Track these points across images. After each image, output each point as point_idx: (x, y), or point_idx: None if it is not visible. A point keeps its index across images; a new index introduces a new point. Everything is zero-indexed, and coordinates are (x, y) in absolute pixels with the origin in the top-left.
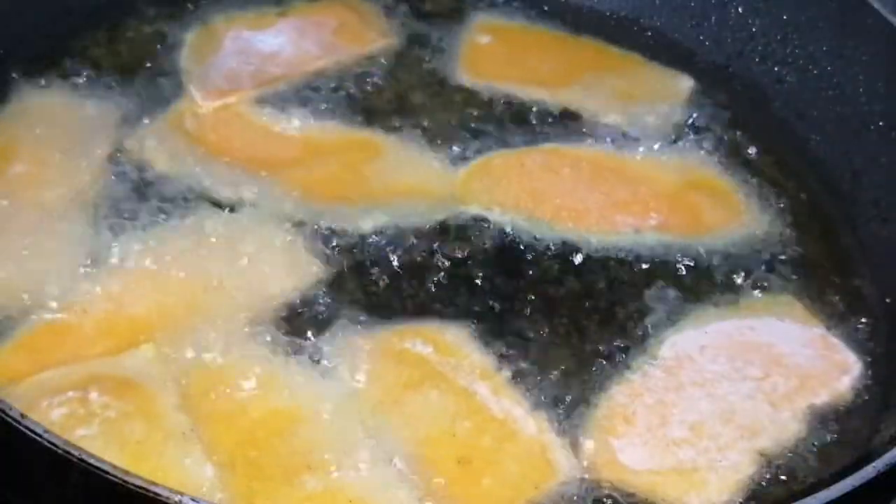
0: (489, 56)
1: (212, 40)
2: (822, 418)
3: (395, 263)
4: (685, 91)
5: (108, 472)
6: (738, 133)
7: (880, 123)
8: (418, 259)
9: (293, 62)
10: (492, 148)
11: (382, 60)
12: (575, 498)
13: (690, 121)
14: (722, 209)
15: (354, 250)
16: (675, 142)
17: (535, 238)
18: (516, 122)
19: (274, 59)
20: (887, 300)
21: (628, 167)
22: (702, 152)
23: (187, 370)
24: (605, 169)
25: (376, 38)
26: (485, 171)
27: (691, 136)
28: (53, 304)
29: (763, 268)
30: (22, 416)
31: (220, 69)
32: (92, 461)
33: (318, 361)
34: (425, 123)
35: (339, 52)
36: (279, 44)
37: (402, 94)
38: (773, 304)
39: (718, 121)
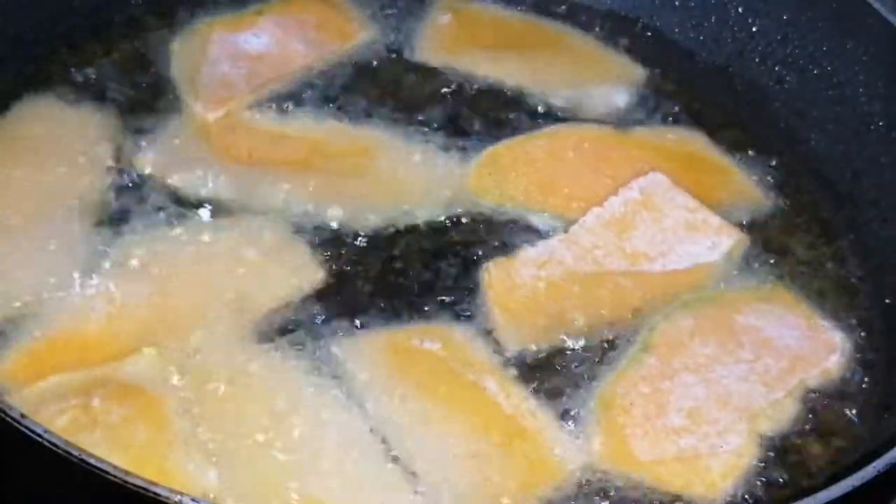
0: (448, 36)
1: (198, 46)
2: (823, 418)
3: (401, 263)
4: (636, 77)
5: (108, 473)
6: (738, 132)
7: (880, 123)
8: (425, 258)
9: (282, 62)
10: (492, 137)
11: (366, 53)
12: (582, 492)
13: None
14: (724, 187)
15: (359, 251)
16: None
17: (541, 231)
18: (503, 108)
19: (263, 60)
20: (887, 300)
21: (628, 146)
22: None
23: (190, 374)
24: (607, 149)
25: (358, 31)
26: (492, 164)
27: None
28: (55, 311)
29: (762, 267)
30: (22, 416)
31: (213, 77)
32: (92, 461)
33: (322, 363)
34: (422, 116)
35: (324, 48)
36: (265, 44)
37: (394, 87)
38: (758, 291)
39: (716, 119)
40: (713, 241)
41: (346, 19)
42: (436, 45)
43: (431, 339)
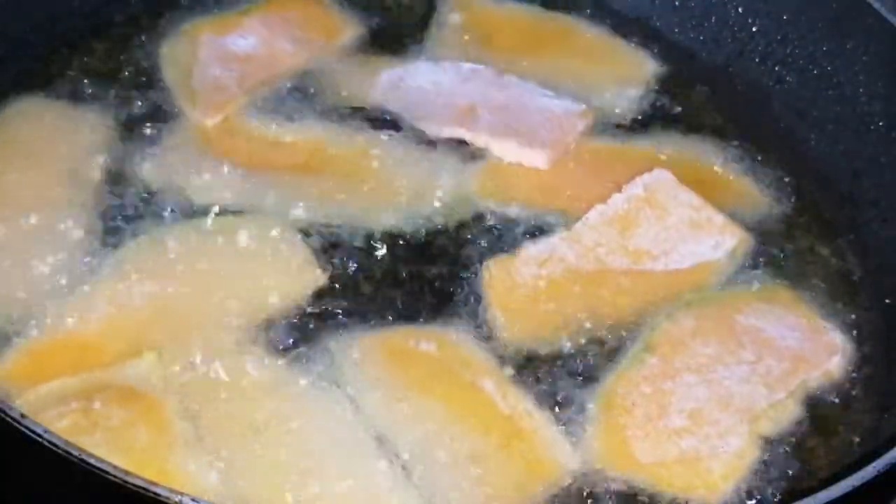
0: (458, 34)
1: (186, 49)
2: (823, 418)
3: (402, 263)
4: (648, 74)
5: (108, 473)
6: (738, 132)
7: (880, 123)
8: (425, 258)
9: (272, 61)
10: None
11: (356, 51)
12: (580, 494)
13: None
14: (724, 188)
15: (360, 252)
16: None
17: (542, 231)
18: None
19: (253, 61)
20: (887, 300)
21: (627, 155)
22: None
23: (190, 377)
24: (608, 150)
25: (343, 27)
26: (494, 168)
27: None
28: (55, 314)
29: (762, 267)
30: (22, 416)
31: (206, 80)
32: (92, 461)
33: (322, 364)
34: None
35: (312, 45)
36: (252, 45)
37: None
38: (759, 291)
39: (717, 120)
40: (717, 240)
41: (330, 15)
42: (446, 44)
43: (429, 339)
